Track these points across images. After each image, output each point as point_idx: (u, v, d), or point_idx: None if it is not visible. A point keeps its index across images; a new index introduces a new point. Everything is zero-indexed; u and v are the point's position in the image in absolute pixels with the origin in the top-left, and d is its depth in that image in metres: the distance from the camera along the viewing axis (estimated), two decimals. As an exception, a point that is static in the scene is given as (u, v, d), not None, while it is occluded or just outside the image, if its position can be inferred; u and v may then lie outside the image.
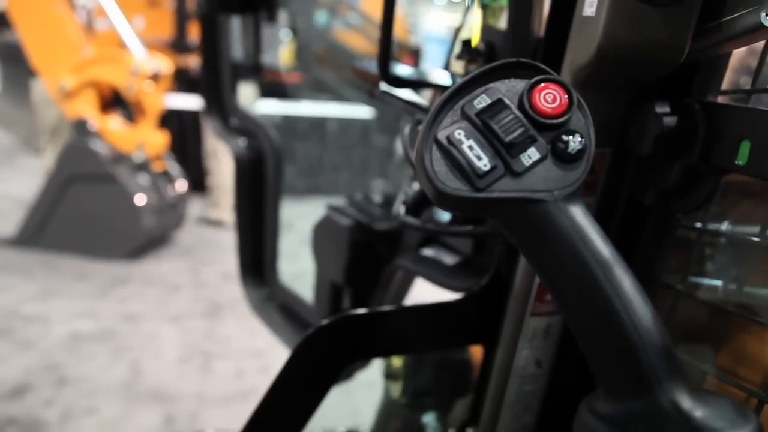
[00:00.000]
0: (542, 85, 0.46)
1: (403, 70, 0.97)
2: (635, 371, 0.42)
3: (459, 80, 0.48)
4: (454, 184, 0.45)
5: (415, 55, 7.87)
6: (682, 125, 0.66)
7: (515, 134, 0.45)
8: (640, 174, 0.77)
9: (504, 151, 0.45)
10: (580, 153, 0.45)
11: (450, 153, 0.45)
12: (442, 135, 0.46)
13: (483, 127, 0.45)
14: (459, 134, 0.45)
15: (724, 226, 0.72)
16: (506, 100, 0.46)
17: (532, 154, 0.45)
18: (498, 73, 0.47)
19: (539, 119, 0.45)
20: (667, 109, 0.67)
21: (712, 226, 0.72)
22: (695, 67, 0.70)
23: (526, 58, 0.75)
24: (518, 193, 0.44)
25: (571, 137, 0.45)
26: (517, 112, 0.45)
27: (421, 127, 0.47)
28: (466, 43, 0.92)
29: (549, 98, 0.45)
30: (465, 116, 0.46)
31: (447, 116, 0.47)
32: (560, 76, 0.72)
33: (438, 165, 0.45)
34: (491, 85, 0.47)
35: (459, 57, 0.94)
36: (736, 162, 0.60)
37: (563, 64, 0.72)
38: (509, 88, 0.47)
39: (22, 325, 3.82)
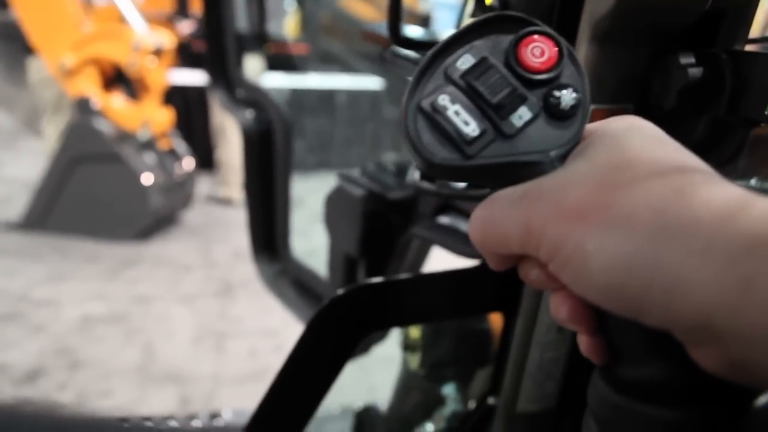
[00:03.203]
0: (529, 38, 0.43)
1: (414, 31, 0.94)
2: (648, 335, 0.39)
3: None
4: (443, 154, 0.42)
5: (424, 23, 7.73)
6: (708, 76, 0.64)
7: (503, 94, 0.42)
8: (664, 129, 0.74)
9: (493, 113, 0.42)
10: (575, 108, 0.42)
11: (436, 121, 0.42)
12: (426, 102, 0.43)
13: (468, 89, 0.43)
14: (443, 100, 0.42)
15: (753, 182, 0.69)
16: (491, 59, 0.43)
17: (523, 114, 0.42)
18: (481, 30, 0.44)
19: (528, 76, 0.42)
20: (692, 60, 0.64)
21: (740, 182, 0.70)
22: (721, 15, 0.67)
23: (542, 12, 0.72)
24: (511, 157, 0.42)
25: (563, 92, 0.42)
26: (504, 70, 0.43)
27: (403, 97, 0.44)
28: (480, 0, 0.89)
29: (537, 52, 0.42)
30: (449, 79, 0.43)
31: (430, 81, 0.44)
32: (579, 29, 0.70)
33: (425, 134, 0.42)
34: (475, 43, 0.44)
35: (473, 16, 0.91)
36: (767, 112, 0.58)
37: (582, 17, 0.69)
38: (494, 45, 0.44)
39: (33, 309, 3.82)
